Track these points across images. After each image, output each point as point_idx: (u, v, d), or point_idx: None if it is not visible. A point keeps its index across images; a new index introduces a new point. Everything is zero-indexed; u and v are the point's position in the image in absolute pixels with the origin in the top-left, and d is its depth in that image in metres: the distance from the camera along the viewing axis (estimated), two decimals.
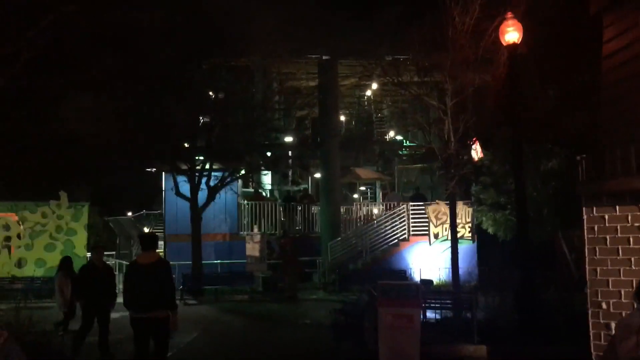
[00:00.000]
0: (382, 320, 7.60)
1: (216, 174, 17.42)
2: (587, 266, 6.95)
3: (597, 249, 6.87)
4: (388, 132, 25.44)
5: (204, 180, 16.78)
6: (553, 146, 15.51)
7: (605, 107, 7.54)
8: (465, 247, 18.10)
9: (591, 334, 6.79)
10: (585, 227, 6.99)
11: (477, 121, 11.60)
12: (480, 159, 16.42)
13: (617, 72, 7.30)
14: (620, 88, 7.20)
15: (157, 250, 7.02)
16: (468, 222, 18.18)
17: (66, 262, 11.91)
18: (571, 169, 14.50)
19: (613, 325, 6.66)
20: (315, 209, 21.09)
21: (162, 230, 22.11)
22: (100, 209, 25.89)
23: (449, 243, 15.75)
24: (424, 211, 18.54)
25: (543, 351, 8.21)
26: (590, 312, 6.84)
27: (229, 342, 10.09)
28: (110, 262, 20.89)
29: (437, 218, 18.07)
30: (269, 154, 18.37)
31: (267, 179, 25.01)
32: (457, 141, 9.82)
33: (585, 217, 7.00)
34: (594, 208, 6.91)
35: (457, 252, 10.74)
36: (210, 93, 18.14)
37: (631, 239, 6.62)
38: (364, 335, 9.13)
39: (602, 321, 6.73)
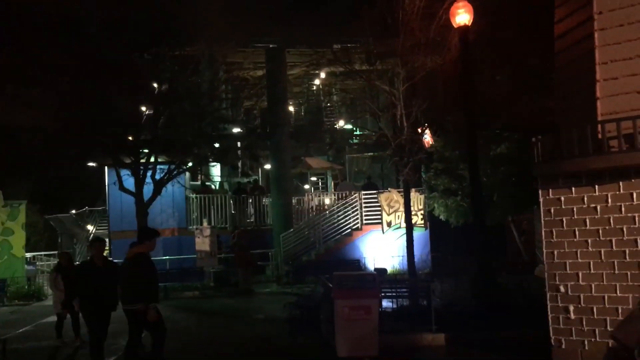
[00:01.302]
0: (339, 313, 7.33)
1: (162, 167, 16.76)
2: (543, 249, 6.87)
3: (553, 232, 6.79)
4: (338, 121, 25.23)
5: (149, 173, 16.08)
6: (503, 131, 15.62)
7: (559, 88, 7.47)
8: (418, 235, 18.02)
9: (550, 318, 6.72)
10: (541, 210, 6.90)
11: (428, 107, 11.45)
12: (431, 146, 16.38)
13: (569, 52, 7.22)
14: (573, 68, 7.12)
15: (142, 245, 7.03)
16: (420, 209, 18.19)
17: (61, 258, 10.80)
18: (521, 154, 14.65)
19: (572, 308, 6.61)
20: (266, 200, 20.69)
21: (106, 228, 21.27)
22: (40, 206, 24.67)
23: (402, 231, 15.70)
24: (376, 200, 18.42)
25: (502, 336, 8.14)
26: (548, 295, 6.77)
27: (179, 341, 9.61)
28: (51, 263, 19.94)
29: (389, 206, 17.98)
30: (217, 145, 17.80)
31: (216, 171, 24.40)
32: (409, 127, 9.63)
33: (541, 199, 6.91)
34: (550, 190, 6.82)
35: (412, 240, 10.60)
36: (154, 83, 17.41)
37: (587, 221, 6.56)
38: (320, 328, 8.86)
39: (560, 304, 6.66)
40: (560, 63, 7.39)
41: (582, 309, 6.57)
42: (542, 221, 6.85)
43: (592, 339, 6.45)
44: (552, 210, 6.81)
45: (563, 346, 6.64)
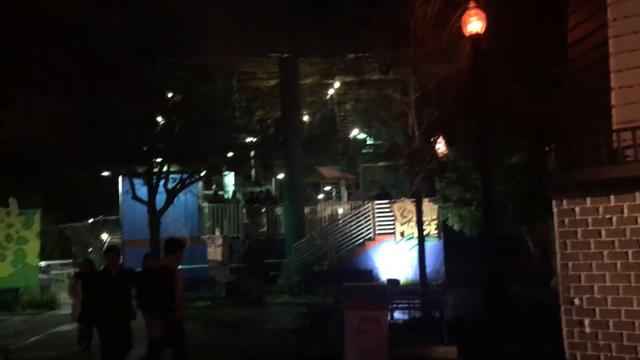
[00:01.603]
0: (348, 324, 7.22)
1: (175, 176, 16.80)
2: (558, 261, 6.70)
3: (567, 243, 6.61)
4: (351, 131, 25.17)
5: (161, 182, 16.12)
6: (517, 140, 15.45)
7: (572, 96, 7.33)
8: (432, 245, 17.91)
9: (564, 332, 6.53)
10: (555, 220, 6.73)
11: (441, 116, 11.35)
12: (444, 155, 16.22)
13: (583, 60, 7.09)
14: (587, 76, 6.98)
15: (171, 257, 6.84)
16: (434, 219, 18.02)
17: (84, 265, 10.11)
18: (535, 163, 14.47)
19: (587, 322, 6.43)
20: (279, 210, 20.64)
21: (120, 237, 21.34)
22: (54, 216, 24.84)
23: (415, 241, 15.52)
24: (389, 209, 18.28)
25: (515, 348, 7.96)
26: (562, 308, 6.58)
27: (189, 352, 9.55)
28: (65, 272, 20.03)
29: (402, 216, 17.83)
30: (230, 154, 17.81)
31: (230, 181, 24.44)
32: (421, 136, 9.53)
33: (555, 209, 6.74)
34: (564, 200, 6.65)
35: (424, 250, 10.47)
36: (168, 93, 17.50)
37: (602, 232, 6.38)
38: (329, 340, 8.74)
39: (575, 318, 6.47)
40: (573, 71, 7.25)
41: (597, 322, 6.37)
42: (556, 232, 6.67)
43: (608, 354, 6.25)
44: (567, 221, 6.64)
45: None
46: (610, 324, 6.28)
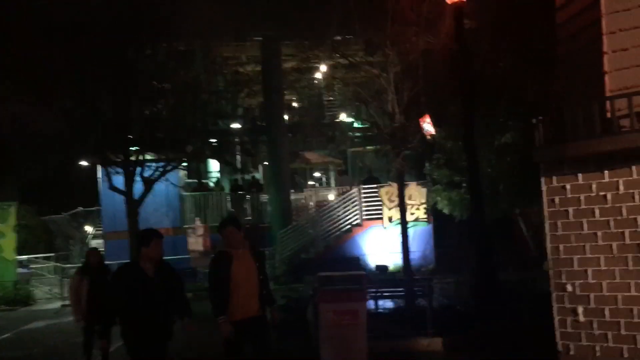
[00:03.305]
0: (323, 318, 6.67)
1: (155, 164, 16.17)
2: (548, 244, 6.15)
3: (558, 224, 6.04)
4: (338, 115, 24.56)
5: (138, 171, 15.48)
6: (505, 118, 14.90)
7: (562, 66, 6.74)
8: (421, 229, 17.41)
9: (556, 321, 5.99)
10: (544, 200, 6.16)
11: (426, 93, 10.76)
12: (432, 136, 15.63)
13: (572, 23, 6.49)
14: (577, 41, 6.39)
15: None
16: (423, 203, 17.49)
17: (90, 256, 7.97)
18: (526, 143, 13.92)
19: (580, 310, 5.88)
20: (264, 197, 20.08)
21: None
22: (38, 208, 24.16)
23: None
24: (377, 194, 17.73)
25: (504, 339, 7.42)
26: (554, 295, 6.03)
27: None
28: (45, 265, 19.43)
29: (390, 200, 17.28)
30: (211, 141, 17.18)
31: (215, 169, 23.81)
32: (402, 113, 8.93)
33: (544, 187, 6.17)
34: (554, 177, 6.07)
35: (407, 235, 9.91)
36: (146, 78, 16.83)
37: (596, 211, 5.81)
38: (307, 335, 8.20)
39: (567, 305, 5.92)
40: (562, 36, 6.64)
41: (592, 310, 5.82)
42: (546, 212, 6.11)
43: (604, 344, 5.71)
44: (557, 200, 6.07)
45: (571, 352, 5.91)
46: (606, 311, 5.74)
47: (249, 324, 5.42)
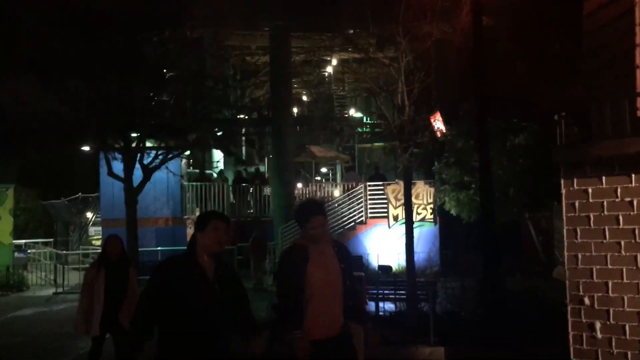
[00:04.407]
0: None
1: (155, 152, 15.78)
2: (565, 252, 5.67)
3: (578, 231, 5.54)
4: (346, 109, 24.10)
5: (140, 158, 15.09)
6: (520, 121, 14.41)
7: (588, 61, 6.23)
8: (427, 230, 16.93)
9: (570, 336, 5.50)
10: (563, 204, 5.67)
11: (439, 91, 10.27)
12: (443, 134, 15.14)
13: (600, 14, 5.99)
14: (606, 34, 5.88)
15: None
16: (430, 203, 16.99)
17: (110, 245, 6.21)
18: (541, 146, 13.43)
19: (598, 325, 5.39)
20: (268, 190, 19.64)
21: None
22: (40, 192, 23.84)
23: None
24: (382, 192, 17.24)
25: (512, 353, 6.93)
26: (569, 308, 5.55)
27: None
28: (42, 251, 19.08)
29: (396, 199, 16.79)
30: (214, 130, 16.75)
31: (220, 160, 23.41)
32: (411, 105, 8.45)
33: (563, 191, 5.66)
34: (575, 180, 5.56)
35: (412, 236, 9.44)
36: (153, 65, 16.44)
37: (621, 218, 5.30)
38: None
39: (584, 320, 5.43)
40: (589, 29, 6.12)
41: (611, 326, 5.32)
42: (564, 217, 5.60)
43: None
44: (577, 205, 5.56)
45: None
46: (627, 328, 5.23)
47: (330, 346, 3.89)
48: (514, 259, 14.77)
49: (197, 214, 17.14)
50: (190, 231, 16.02)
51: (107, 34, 14.55)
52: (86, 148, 18.79)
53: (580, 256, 5.49)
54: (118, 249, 6.13)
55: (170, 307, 3.48)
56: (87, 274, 6.35)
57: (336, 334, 3.93)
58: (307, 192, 19.21)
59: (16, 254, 17.99)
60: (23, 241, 20.00)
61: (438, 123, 14.55)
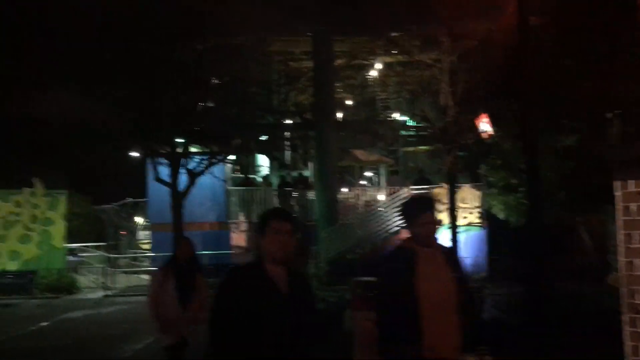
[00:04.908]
0: (357, 327, 6.08)
1: (200, 157, 16.02)
2: (620, 257, 5.37)
3: (634, 235, 5.25)
4: (391, 112, 23.87)
5: (185, 163, 15.34)
6: (571, 121, 13.89)
7: None
8: (474, 235, 16.55)
9: (626, 347, 5.21)
10: (618, 207, 5.38)
11: (485, 90, 9.99)
12: (489, 136, 14.77)
13: None
14: None
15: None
16: (477, 207, 16.60)
17: (181, 248, 5.88)
18: (592, 146, 12.92)
19: None
20: (312, 194, 19.64)
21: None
22: (93, 198, 24.51)
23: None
24: None
25: None
26: (625, 317, 5.25)
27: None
28: (97, 255, 19.55)
29: (441, 203, 16.46)
30: (259, 135, 16.87)
31: (264, 164, 23.58)
32: (456, 105, 8.22)
33: (617, 193, 5.37)
34: (630, 181, 5.28)
35: (456, 240, 9.20)
36: (199, 74, 16.73)
37: None
38: (335, 345, 7.61)
39: None
40: None
41: None
42: (619, 221, 5.31)
43: None
44: (633, 208, 5.27)
45: None
46: None
47: None
48: (565, 263, 14.26)
49: (241, 218, 17.27)
50: (235, 236, 16.14)
51: (153, 44, 14.84)
52: (134, 154, 19.26)
53: (636, 262, 5.20)
54: (188, 251, 5.79)
55: (239, 327, 2.92)
56: (153, 278, 5.95)
57: (451, 356, 3.43)
58: (351, 196, 19.11)
59: (69, 258, 18.54)
60: (75, 245, 20.57)
61: (484, 125, 14.21)
